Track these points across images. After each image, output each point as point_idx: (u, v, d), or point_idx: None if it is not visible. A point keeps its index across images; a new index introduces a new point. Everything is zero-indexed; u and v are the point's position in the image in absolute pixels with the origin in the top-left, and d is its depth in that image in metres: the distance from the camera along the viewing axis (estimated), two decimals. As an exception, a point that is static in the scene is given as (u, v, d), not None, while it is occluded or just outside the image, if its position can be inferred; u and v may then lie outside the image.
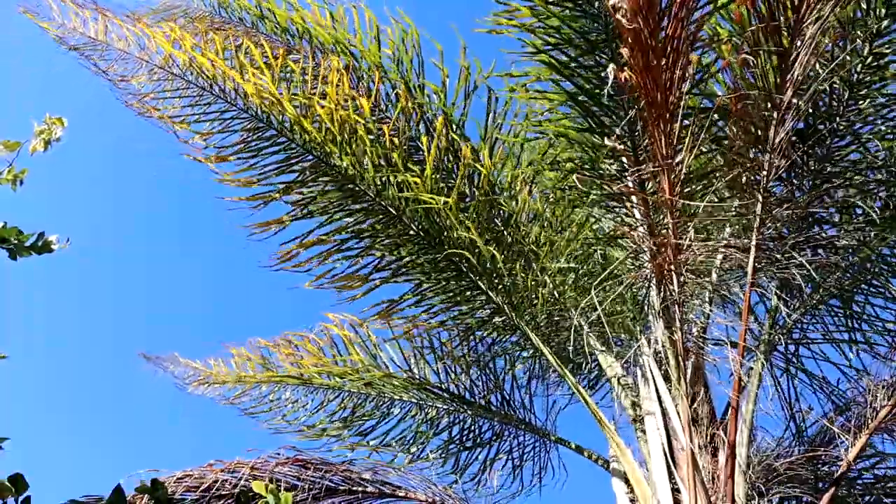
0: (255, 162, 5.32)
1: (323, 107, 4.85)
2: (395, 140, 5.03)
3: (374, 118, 5.29)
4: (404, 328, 5.68)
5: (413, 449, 5.77)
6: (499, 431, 5.83)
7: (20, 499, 1.68)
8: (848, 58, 4.28)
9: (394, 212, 5.12)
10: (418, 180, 4.82)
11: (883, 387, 4.64)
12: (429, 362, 5.71)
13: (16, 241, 2.01)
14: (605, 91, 4.57)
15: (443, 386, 5.73)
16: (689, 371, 4.13)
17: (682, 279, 4.03)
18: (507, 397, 5.72)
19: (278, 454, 5.08)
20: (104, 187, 14.32)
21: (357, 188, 5.14)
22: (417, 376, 5.70)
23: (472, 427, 5.84)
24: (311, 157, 5.18)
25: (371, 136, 4.92)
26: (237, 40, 5.79)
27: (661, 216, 4.06)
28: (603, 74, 4.61)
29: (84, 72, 5.82)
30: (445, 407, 5.80)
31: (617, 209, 4.91)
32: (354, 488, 5.07)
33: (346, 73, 5.20)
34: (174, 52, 5.22)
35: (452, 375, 5.73)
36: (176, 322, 14.94)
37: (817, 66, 3.88)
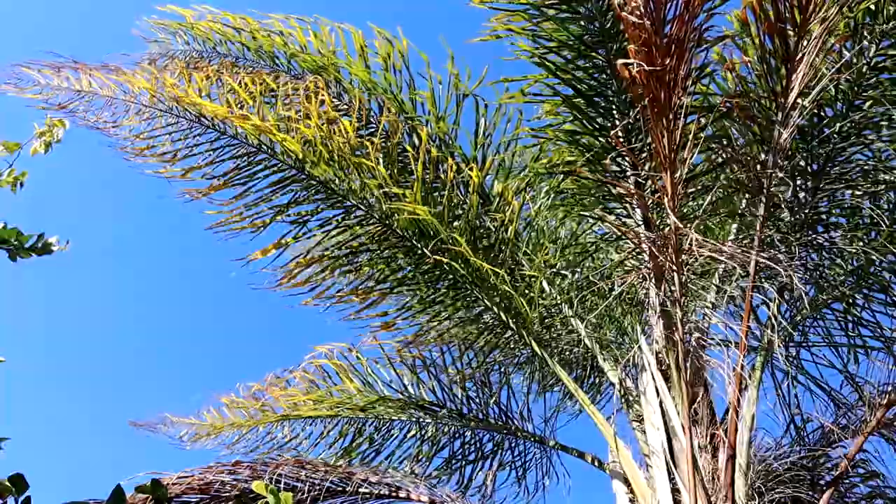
0: (249, 186, 5.39)
1: (314, 130, 4.89)
2: (386, 153, 5.07)
3: (364, 133, 5.34)
4: (397, 349, 5.72)
5: (418, 469, 5.77)
6: (499, 442, 5.85)
7: (20, 499, 1.68)
8: (854, 59, 4.27)
9: (387, 224, 5.14)
10: (408, 192, 4.84)
11: (880, 391, 4.65)
12: (423, 380, 5.72)
13: (15, 243, 2.01)
14: (602, 92, 4.59)
15: (440, 403, 5.75)
16: (689, 371, 4.13)
17: (683, 279, 4.03)
18: (504, 408, 5.75)
19: (279, 456, 5.08)
20: (105, 188, 14.34)
21: (349, 202, 5.17)
22: (414, 396, 5.71)
23: (473, 440, 5.86)
24: (303, 176, 5.22)
25: (358, 152, 4.95)
26: (224, 72, 5.84)
27: (663, 215, 4.07)
28: (597, 76, 4.64)
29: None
30: (444, 423, 5.82)
31: (615, 210, 4.92)
32: (354, 489, 5.07)
33: (325, 91, 5.25)
34: (157, 91, 5.32)
35: (449, 392, 5.74)
36: (176, 321, 14.97)
37: (823, 67, 3.88)
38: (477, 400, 5.74)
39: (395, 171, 5.07)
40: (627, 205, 4.66)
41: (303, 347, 5.56)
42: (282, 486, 4.80)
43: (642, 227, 4.42)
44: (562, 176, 5.31)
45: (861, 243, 4.52)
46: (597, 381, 6.11)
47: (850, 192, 4.56)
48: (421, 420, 5.80)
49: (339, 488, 5.05)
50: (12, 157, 2.12)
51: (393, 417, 5.79)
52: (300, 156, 5.01)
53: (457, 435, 5.85)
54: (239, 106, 5.15)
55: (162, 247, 15.10)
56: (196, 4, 6.49)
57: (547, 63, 4.69)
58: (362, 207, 5.17)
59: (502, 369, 5.87)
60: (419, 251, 5.12)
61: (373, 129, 5.66)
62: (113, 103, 5.75)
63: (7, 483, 1.67)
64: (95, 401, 14.71)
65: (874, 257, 4.49)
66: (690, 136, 3.72)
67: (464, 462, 5.81)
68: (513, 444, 5.83)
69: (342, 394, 5.70)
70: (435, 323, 5.65)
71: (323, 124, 4.91)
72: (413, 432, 5.85)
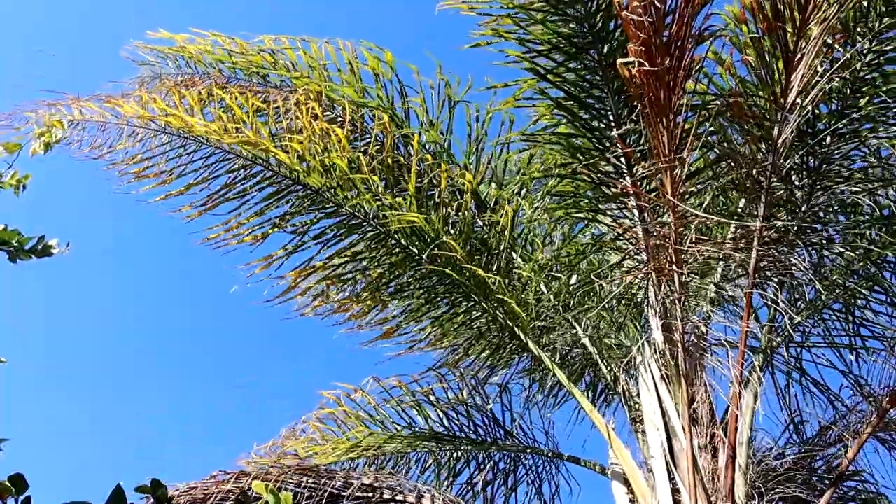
0: (246, 199, 5.43)
1: (306, 144, 4.93)
2: (380, 161, 5.11)
3: (359, 145, 5.39)
4: (399, 384, 5.76)
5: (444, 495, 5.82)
6: (512, 460, 5.92)
7: (20, 499, 1.68)
8: (849, 56, 4.29)
9: (383, 230, 5.17)
10: (402, 201, 4.87)
11: (881, 393, 4.65)
12: (427, 410, 5.81)
13: (16, 244, 2.01)
14: (594, 93, 4.61)
15: (449, 431, 5.84)
16: (689, 371, 4.13)
17: (682, 279, 4.04)
18: (509, 430, 5.83)
19: (280, 463, 5.08)
20: (105, 187, 14.34)
21: (345, 211, 5.21)
22: (422, 427, 5.77)
23: (486, 461, 5.94)
24: (298, 186, 5.26)
25: (352, 165, 4.98)
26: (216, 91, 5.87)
27: (663, 215, 4.08)
28: (589, 77, 4.66)
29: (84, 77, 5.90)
30: (451, 449, 5.89)
31: (611, 211, 4.93)
32: (357, 494, 5.07)
33: (317, 104, 5.29)
34: (146, 115, 5.37)
35: (455, 421, 5.82)
36: (176, 322, 15.00)
37: (821, 66, 3.90)
38: (482, 424, 5.81)
39: (392, 177, 5.10)
40: (623, 206, 4.67)
41: (303, 346, 5.63)
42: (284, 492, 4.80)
43: (639, 226, 4.43)
44: (557, 178, 5.33)
45: (863, 244, 4.53)
46: (596, 383, 6.12)
47: (847, 189, 4.57)
48: (432, 449, 5.88)
49: (342, 494, 5.06)
50: (12, 157, 2.13)
51: (408, 450, 5.87)
52: (295, 167, 5.04)
53: (470, 459, 5.94)
54: (233, 121, 5.18)
55: (162, 247, 15.10)
56: (188, 25, 6.54)
57: (537, 67, 4.72)
58: (358, 215, 5.20)
59: (499, 372, 5.90)
60: (416, 256, 5.14)
61: (367, 141, 5.70)
62: (106, 127, 5.80)
63: (7, 483, 1.67)
64: (95, 401, 14.67)
65: (874, 256, 4.50)
66: (691, 135, 3.74)
67: (482, 483, 5.88)
68: (524, 460, 5.91)
69: (358, 435, 5.75)
70: (436, 327, 5.67)
71: (315, 136, 4.95)
72: (429, 462, 5.93)
